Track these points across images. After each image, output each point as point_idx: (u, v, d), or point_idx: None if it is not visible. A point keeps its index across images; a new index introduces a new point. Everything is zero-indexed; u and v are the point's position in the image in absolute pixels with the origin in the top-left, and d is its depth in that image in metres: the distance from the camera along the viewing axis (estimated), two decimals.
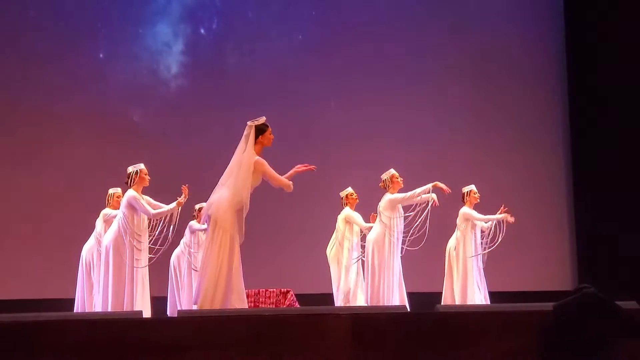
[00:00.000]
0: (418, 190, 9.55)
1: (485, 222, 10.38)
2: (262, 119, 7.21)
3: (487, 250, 10.25)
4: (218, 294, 6.82)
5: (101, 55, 12.89)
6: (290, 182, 7.29)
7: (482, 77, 13.40)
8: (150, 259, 8.54)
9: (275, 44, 13.24)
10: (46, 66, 12.45)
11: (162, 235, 8.50)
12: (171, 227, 8.49)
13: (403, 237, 9.64)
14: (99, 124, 12.43)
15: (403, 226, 9.70)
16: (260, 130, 7.16)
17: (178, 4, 13.19)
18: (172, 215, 8.50)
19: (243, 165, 7.02)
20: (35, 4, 12.61)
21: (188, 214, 10.31)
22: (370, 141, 12.87)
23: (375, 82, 13.21)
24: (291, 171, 7.42)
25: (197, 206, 10.47)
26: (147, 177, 8.61)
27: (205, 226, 10.20)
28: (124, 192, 8.89)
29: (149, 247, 8.57)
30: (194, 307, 6.99)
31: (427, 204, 9.50)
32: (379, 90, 13.19)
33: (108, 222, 9.31)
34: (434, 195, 9.50)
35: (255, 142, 7.13)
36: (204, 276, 6.91)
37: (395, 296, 9.57)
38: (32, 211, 12.03)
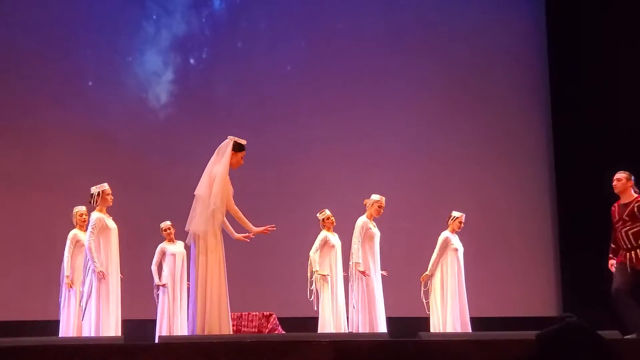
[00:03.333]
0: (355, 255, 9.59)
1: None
2: (243, 140, 7.04)
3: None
4: (222, 317, 6.58)
5: (90, 83, 12.69)
6: (239, 215, 6.96)
7: (469, 92, 13.31)
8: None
9: (264, 74, 13.07)
10: (35, 93, 12.25)
11: None
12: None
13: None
14: (85, 148, 12.22)
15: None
16: (238, 147, 6.97)
17: (168, 33, 13.02)
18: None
19: (219, 176, 6.78)
20: (25, 32, 12.36)
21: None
22: (357, 166, 12.74)
23: (364, 114, 13.06)
24: (250, 229, 7.06)
25: (162, 225, 10.45)
26: (110, 197, 8.40)
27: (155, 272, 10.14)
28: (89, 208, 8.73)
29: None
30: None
31: None
32: (367, 123, 13.02)
33: (78, 243, 9.14)
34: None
35: (230, 157, 6.92)
36: (198, 301, 6.62)
37: (373, 322, 9.42)
38: (15, 229, 11.83)
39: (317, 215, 10.31)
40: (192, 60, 13.14)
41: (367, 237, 9.66)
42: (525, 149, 13.39)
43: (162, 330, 10.15)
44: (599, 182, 11.23)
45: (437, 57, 13.36)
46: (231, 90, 12.99)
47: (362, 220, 9.71)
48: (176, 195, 11.21)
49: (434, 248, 10.21)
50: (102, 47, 12.71)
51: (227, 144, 6.95)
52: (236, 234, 7.18)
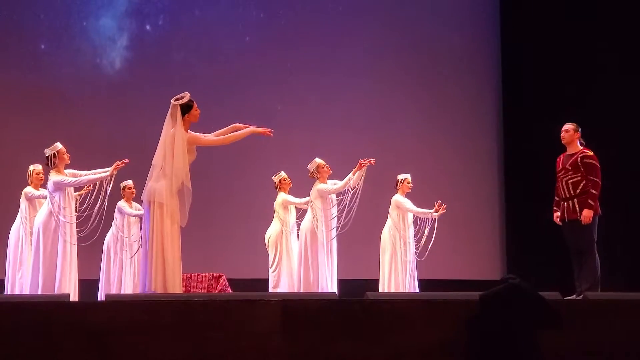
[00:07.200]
0: (343, 182, 9.39)
1: (416, 214, 10.17)
2: (186, 96, 6.86)
3: (419, 243, 10.06)
4: (175, 277, 6.46)
5: (43, 47, 12.34)
6: (225, 137, 7.01)
7: (423, 68, 13.16)
8: (79, 238, 8.08)
9: (222, 44, 12.82)
10: None
11: (90, 212, 8.02)
12: (101, 197, 7.97)
13: (337, 224, 9.43)
14: (34, 108, 11.92)
15: (336, 213, 9.45)
16: (186, 108, 6.82)
17: None
18: (101, 184, 7.97)
19: (177, 146, 6.65)
20: None
21: (116, 194, 9.91)
22: (310, 130, 12.59)
23: (321, 81, 12.86)
24: (247, 130, 7.09)
25: (122, 184, 9.99)
26: (67, 156, 8.14)
27: (135, 212, 9.82)
28: (45, 171, 8.48)
29: (78, 229, 8.14)
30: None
31: (357, 189, 9.34)
32: (324, 89, 12.84)
33: (31, 200, 8.92)
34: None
35: (183, 120, 6.76)
36: (154, 261, 6.52)
37: (327, 283, 9.31)
38: None
39: (273, 178, 10.13)
40: (148, 27, 12.83)
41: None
42: (477, 119, 13.32)
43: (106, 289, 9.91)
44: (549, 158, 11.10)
45: (391, 22, 13.17)
46: (187, 58, 12.72)
47: (318, 186, 9.54)
48: (130, 158, 10.99)
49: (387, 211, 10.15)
50: (57, 11, 12.38)
51: (176, 110, 6.76)
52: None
